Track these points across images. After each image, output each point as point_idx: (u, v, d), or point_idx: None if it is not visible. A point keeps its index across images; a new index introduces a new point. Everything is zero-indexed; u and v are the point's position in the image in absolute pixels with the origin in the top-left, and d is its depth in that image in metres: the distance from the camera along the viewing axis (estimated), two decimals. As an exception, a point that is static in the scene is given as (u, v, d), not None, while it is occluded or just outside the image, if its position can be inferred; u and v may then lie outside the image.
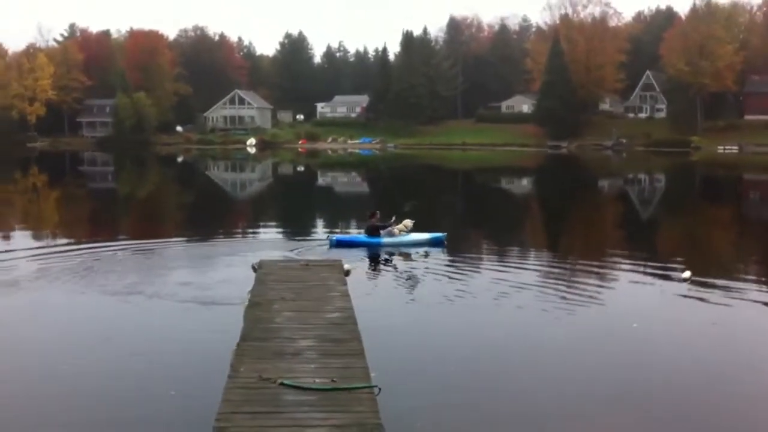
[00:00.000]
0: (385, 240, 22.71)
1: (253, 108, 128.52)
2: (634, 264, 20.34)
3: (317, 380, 9.14)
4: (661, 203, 44.47)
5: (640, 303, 16.03)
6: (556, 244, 26.18)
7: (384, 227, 22.88)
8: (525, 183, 60.23)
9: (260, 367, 9.63)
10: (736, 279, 18.55)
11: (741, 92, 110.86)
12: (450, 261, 20.67)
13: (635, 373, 11.45)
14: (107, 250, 21.69)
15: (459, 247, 23.17)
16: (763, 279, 19.46)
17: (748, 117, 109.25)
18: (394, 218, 23.27)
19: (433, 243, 22.86)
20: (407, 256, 21.23)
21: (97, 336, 13.17)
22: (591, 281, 17.98)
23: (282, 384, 8.97)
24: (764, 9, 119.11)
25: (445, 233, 23.41)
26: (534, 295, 16.39)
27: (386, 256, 21.28)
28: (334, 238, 23.03)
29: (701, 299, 16.06)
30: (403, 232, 23.00)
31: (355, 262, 19.15)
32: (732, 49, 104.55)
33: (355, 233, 24.50)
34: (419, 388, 10.55)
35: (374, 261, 20.61)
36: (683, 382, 11.15)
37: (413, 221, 23.33)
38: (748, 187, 56.99)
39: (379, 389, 8.84)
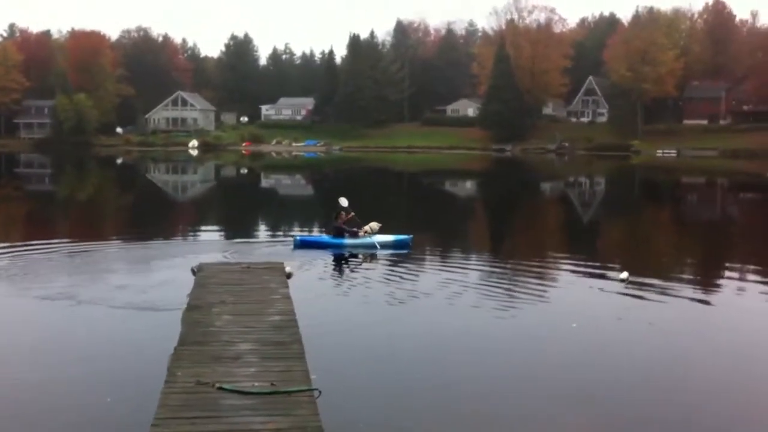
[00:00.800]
0: (349, 241, 22.51)
1: (196, 110, 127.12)
2: (574, 265, 20.61)
3: (256, 384, 9.02)
4: (601, 206, 45.27)
5: (579, 303, 16.23)
6: (499, 246, 26.42)
7: (351, 231, 22.67)
8: (470, 186, 60.71)
9: (198, 372, 9.45)
10: (672, 279, 18.93)
11: (681, 97, 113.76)
12: (393, 263, 20.66)
13: (575, 372, 11.58)
14: (42, 253, 21.13)
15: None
16: (698, 279, 19.92)
17: (686, 122, 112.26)
18: (352, 213, 23.07)
19: (398, 245, 22.65)
20: (355, 259, 21.16)
21: (31, 341, 12.80)
22: (532, 282, 18.15)
23: (220, 388, 8.82)
24: (705, 16, 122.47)
25: (411, 236, 23.27)
26: (476, 295, 16.47)
27: (333, 259, 21.14)
28: (299, 238, 22.91)
29: (638, 299, 16.34)
30: (368, 234, 22.80)
31: (298, 264, 19.00)
32: (673, 56, 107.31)
33: (317, 234, 24.17)
34: (361, 391, 10.51)
35: (319, 263, 20.43)
36: (621, 380, 11.29)
37: (379, 224, 23.17)
38: (685, 190, 58.39)
39: (320, 392, 8.76)
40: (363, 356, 12.12)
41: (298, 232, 26.03)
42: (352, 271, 19.47)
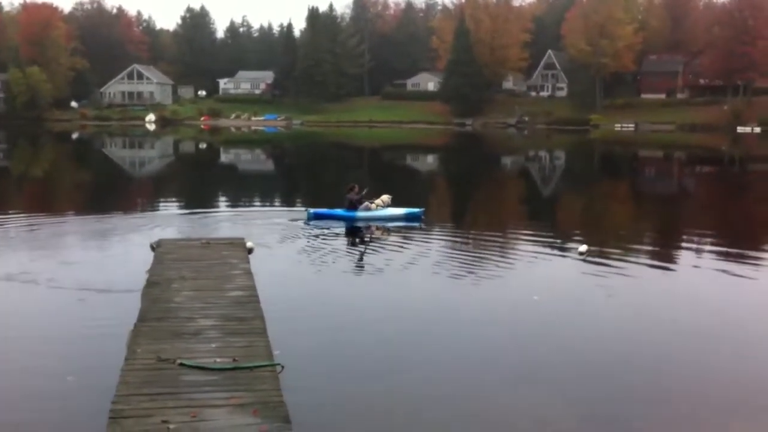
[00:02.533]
0: (361, 214, 22.87)
1: (152, 83, 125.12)
2: (535, 239, 20.76)
3: (218, 360, 8.97)
4: (560, 180, 45.66)
5: (540, 276, 16.40)
6: (461, 220, 26.50)
7: (359, 201, 23.00)
8: (431, 160, 60.77)
9: (158, 348, 9.38)
10: (631, 252, 19.18)
11: (639, 72, 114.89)
12: (357, 237, 20.64)
13: (537, 345, 11.70)
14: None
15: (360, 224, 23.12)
16: (656, 251, 20.22)
17: (644, 96, 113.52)
18: (366, 190, 23.50)
19: (410, 218, 23.14)
20: (319, 233, 21.03)
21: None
22: (494, 256, 18.27)
23: (181, 364, 8.75)
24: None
25: (423, 209, 23.77)
26: (439, 271, 16.52)
27: (296, 233, 20.98)
28: (312, 211, 23.11)
29: (597, 272, 16.53)
30: (380, 206, 23.24)
31: (260, 239, 18.86)
32: (631, 30, 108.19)
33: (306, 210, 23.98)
34: (323, 365, 10.49)
35: (282, 237, 20.27)
36: (583, 352, 11.43)
37: (390, 196, 23.63)
38: (642, 163, 59.10)
39: (282, 367, 8.74)
40: (326, 331, 12.09)
41: (261, 206, 25.77)
42: (315, 245, 19.33)
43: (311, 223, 22.31)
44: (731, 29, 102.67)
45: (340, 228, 21.78)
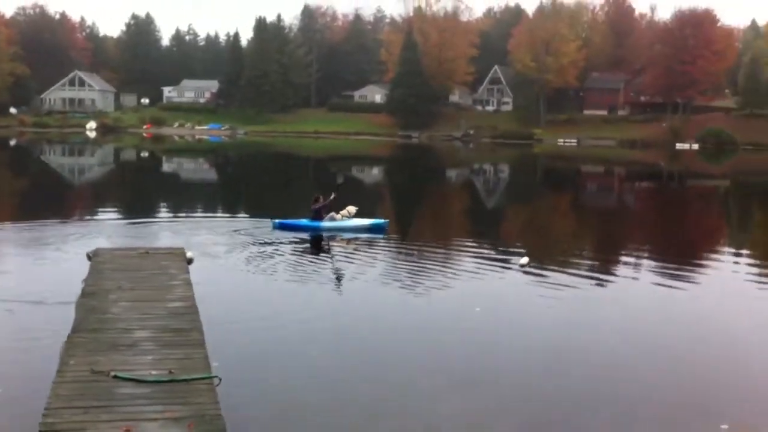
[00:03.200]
0: (326, 224, 22.88)
1: (94, 90, 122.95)
2: (477, 250, 20.93)
3: (154, 372, 8.77)
4: (504, 193, 46.18)
5: (483, 288, 16.51)
6: (404, 232, 26.49)
7: (326, 209, 23.03)
8: (377, 172, 60.88)
9: (93, 360, 9.11)
10: (571, 264, 19.44)
11: (582, 88, 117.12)
12: (297, 247, 20.48)
13: (480, 356, 11.76)
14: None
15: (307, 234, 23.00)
16: (595, 263, 20.50)
17: (587, 112, 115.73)
18: (333, 195, 23.33)
19: (374, 229, 23.20)
20: (262, 244, 20.82)
21: None
22: (438, 267, 18.30)
23: (116, 377, 8.53)
24: (606, 9, 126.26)
25: (387, 220, 23.89)
26: (382, 281, 16.51)
27: (236, 243, 20.73)
28: (276, 221, 23.00)
29: (538, 283, 16.71)
30: (345, 217, 23.27)
31: (201, 249, 18.58)
32: (575, 47, 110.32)
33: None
34: (262, 377, 10.37)
35: (222, 247, 20.01)
36: (522, 361, 11.53)
37: (356, 208, 23.65)
38: (584, 178, 60.15)
39: (220, 380, 8.59)
40: (266, 342, 11.96)
41: (203, 216, 25.46)
42: (257, 255, 19.12)
43: (274, 232, 22.31)
44: (672, 48, 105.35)
45: (283, 238, 21.60)
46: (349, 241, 21.95)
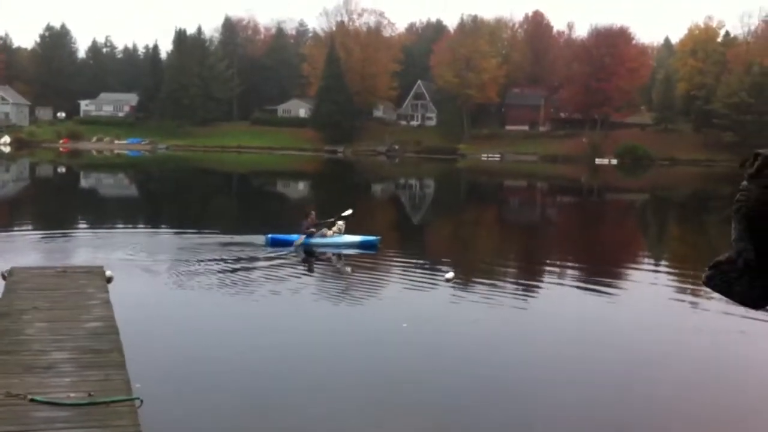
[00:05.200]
0: (317, 240, 22.82)
1: (8, 104, 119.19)
2: (403, 264, 20.98)
3: (72, 395, 8.44)
4: (430, 207, 46.52)
5: (409, 303, 16.50)
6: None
7: (317, 227, 23.07)
8: (302, 187, 60.60)
9: (7, 383, 8.70)
10: (495, 278, 19.71)
11: (503, 104, 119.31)
12: (219, 264, 20.10)
13: (406, 370, 11.73)
14: None
15: (231, 249, 22.59)
16: (519, 277, 20.80)
17: (509, 127, 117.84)
18: (336, 225, 23.40)
19: (365, 246, 23.11)
20: (184, 261, 20.35)
21: None
22: (364, 282, 18.27)
23: (32, 400, 8.18)
24: (525, 26, 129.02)
25: (379, 237, 23.74)
26: (307, 298, 16.36)
27: (158, 260, 20.22)
28: (269, 236, 22.84)
29: (463, 298, 16.84)
30: (336, 233, 23.17)
31: (121, 268, 18.05)
32: (496, 63, 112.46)
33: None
34: (185, 398, 10.12)
35: (143, 265, 19.48)
36: (449, 376, 11.55)
37: (343, 223, 23.58)
38: (507, 192, 61.15)
39: (141, 401, 8.31)
40: (189, 363, 11.67)
41: (122, 233, 24.78)
42: (178, 273, 18.69)
43: (268, 248, 22.26)
44: (589, 66, 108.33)
45: (205, 254, 21.18)
46: (339, 257, 22.05)
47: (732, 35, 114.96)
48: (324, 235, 23.22)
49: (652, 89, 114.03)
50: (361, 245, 23.28)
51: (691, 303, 17.00)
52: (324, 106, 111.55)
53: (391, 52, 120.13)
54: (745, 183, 2.55)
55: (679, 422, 10.15)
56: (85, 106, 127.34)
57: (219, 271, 19.18)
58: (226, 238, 23.94)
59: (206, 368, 11.44)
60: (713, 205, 41.46)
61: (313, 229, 23.11)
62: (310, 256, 22.03)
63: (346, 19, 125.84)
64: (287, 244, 22.72)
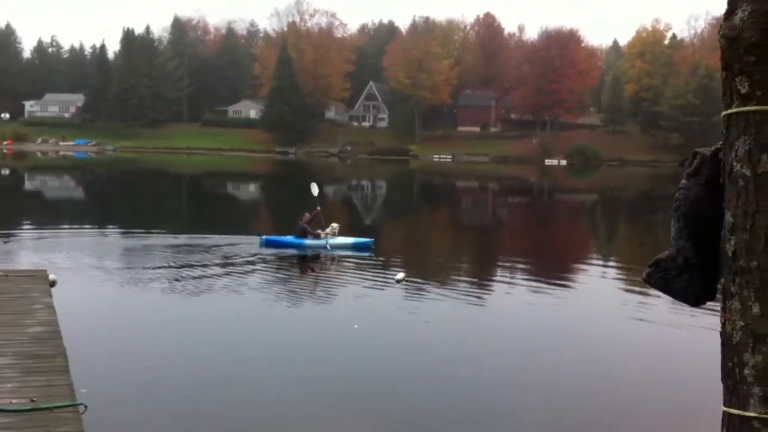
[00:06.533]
0: (310, 242, 22.80)
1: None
2: (354, 266, 20.91)
3: (14, 401, 8.23)
4: (381, 208, 46.55)
5: (360, 304, 16.45)
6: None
7: (313, 233, 22.98)
8: (253, 189, 60.17)
9: (-54, 391, 8.44)
10: (446, 278, 19.79)
11: (455, 105, 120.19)
12: (166, 266, 19.80)
13: (358, 372, 11.71)
14: None
15: (180, 251, 22.28)
16: (470, 278, 20.88)
17: (460, 128, 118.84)
18: (318, 208, 23.59)
19: (359, 247, 23.04)
20: (130, 264, 20.00)
21: None
22: (315, 284, 18.21)
23: (-28, 408, 7.93)
24: (476, 28, 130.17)
25: (372, 239, 23.66)
26: (257, 299, 16.20)
27: (100, 263, 19.84)
28: (264, 237, 22.82)
29: (414, 299, 16.85)
30: (329, 235, 23.01)
31: (65, 271, 17.67)
32: (448, 65, 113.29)
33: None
34: (130, 404, 9.92)
35: (88, 269, 19.09)
36: (400, 377, 11.53)
37: (339, 225, 23.47)
38: (459, 193, 61.53)
39: (86, 407, 8.12)
40: (135, 367, 11.44)
41: (67, 235, 24.27)
42: (123, 275, 18.34)
43: (263, 249, 22.25)
44: (539, 68, 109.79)
45: (152, 255, 20.87)
46: (334, 258, 21.91)
47: (679, 38, 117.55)
48: (319, 237, 23.19)
49: (601, 91, 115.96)
50: (355, 247, 23.30)
51: (639, 301, 17.22)
52: (276, 107, 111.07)
53: (344, 52, 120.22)
54: (684, 182, 2.55)
55: (626, 416, 10.26)
56: (30, 107, 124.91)
57: (166, 274, 18.88)
58: (174, 240, 23.66)
59: (152, 373, 11.24)
60: (660, 204, 42.19)
61: (319, 231, 23.20)
62: (305, 258, 22.24)
63: (297, 19, 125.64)
64: (282, 245, 22.81)
